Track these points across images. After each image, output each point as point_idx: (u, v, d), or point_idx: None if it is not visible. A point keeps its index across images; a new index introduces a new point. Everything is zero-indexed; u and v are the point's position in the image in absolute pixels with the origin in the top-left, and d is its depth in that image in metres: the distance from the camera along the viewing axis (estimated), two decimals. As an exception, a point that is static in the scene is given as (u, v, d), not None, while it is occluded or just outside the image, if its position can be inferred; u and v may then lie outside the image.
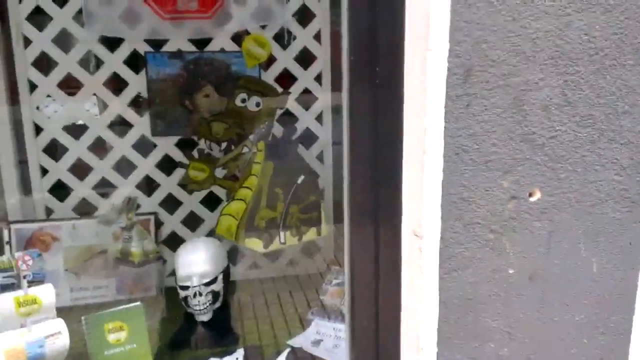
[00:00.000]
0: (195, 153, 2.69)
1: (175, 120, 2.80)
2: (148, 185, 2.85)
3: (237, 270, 2.80)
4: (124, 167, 2.82)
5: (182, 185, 2.84)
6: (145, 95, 2.73)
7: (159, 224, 2.81)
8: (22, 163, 2.65)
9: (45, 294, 1.73)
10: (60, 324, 1.76)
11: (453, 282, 1.08)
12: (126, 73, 2.68)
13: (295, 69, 2.86)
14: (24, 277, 1.72)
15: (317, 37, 2.86)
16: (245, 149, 2.76)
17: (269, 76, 2.83)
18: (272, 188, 2.52)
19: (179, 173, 2.83)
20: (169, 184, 2.84)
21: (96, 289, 2.67)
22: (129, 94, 2.71)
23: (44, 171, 2.68)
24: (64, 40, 2.59)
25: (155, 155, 2.80)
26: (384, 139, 1.09)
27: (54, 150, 2.70)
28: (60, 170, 2.69)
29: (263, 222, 2.47)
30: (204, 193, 2.87)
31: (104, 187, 2.80)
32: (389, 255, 1.13)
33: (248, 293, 2.78)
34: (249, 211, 2.57)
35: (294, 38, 2.83)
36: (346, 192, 1.17)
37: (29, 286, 1.74)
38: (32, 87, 2.60)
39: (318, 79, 2.91)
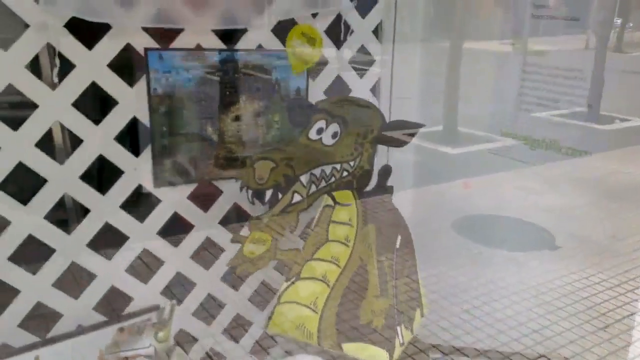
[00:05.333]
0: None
1: (190, 159, 1.75)
2: (143, 264, 1.77)
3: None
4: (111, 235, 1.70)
5: (196, 258, 1.83)
6: (146, 120, 1.64)
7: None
8: None
9: None
10: None
11: None
12: (113, 85, 1.56)
13: (349, 77, 2.02)
14: None
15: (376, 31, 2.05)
16: (297, 198, 1.84)
17: (320, 87, 1.95)
18: (381, 263, 1.70)
19: (192, 241, 1.80)
20: (177, 260, 1.80)
21: None
22: (117, 120, 1.59)
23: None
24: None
25: (159, 216, 1.73)
26: None
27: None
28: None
29: (381, 319, 1.63)
30: (218, 268, 1.89)
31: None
32: None
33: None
34: (338, 298, 1.71)
35: (351, 32, 1.98)
36: None
37: None
38: None
39: (374, 89, 2.11)
